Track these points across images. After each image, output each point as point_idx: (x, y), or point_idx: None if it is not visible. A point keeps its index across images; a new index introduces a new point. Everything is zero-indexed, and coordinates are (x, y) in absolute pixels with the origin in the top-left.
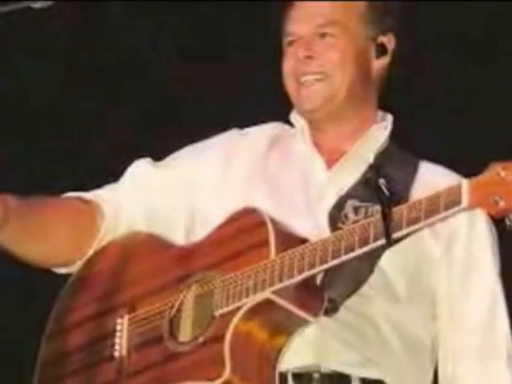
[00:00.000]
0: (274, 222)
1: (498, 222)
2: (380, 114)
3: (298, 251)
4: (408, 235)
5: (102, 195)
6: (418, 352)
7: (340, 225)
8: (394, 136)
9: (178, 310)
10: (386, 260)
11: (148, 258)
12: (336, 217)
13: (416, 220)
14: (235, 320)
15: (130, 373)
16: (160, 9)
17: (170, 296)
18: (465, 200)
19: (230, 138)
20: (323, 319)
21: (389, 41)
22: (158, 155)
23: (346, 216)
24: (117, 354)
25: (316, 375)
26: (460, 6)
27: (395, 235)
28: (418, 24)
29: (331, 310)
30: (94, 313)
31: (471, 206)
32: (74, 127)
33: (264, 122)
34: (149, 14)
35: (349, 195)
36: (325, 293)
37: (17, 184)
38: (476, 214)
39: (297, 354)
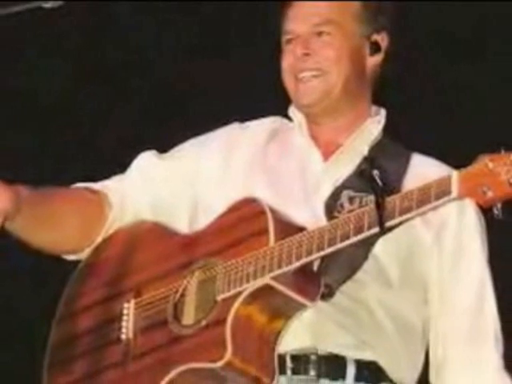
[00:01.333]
0: (273, 211)
1: (486, 211)
2: (374, 108)
3: (296, 239)
4: (400, 224)
5: (109, 185)
6: (410, 335)
7: (336, 214)
8: (387, 130)
9: (182, 295)
10: (380, 247)
11: (153, 245)
12: (332, 206)
13: (408, 209)
14: (236, 304)
15: (136, 355)
16: (165, 9)
17: (174, 281)
18: (454, 190)
19: (232, 131)
20: (320, 304)
21: (382, 39)
22: (163, 148)
23: (341, 205)
24: (123, 336)
25: (313, 357)
26: (450, 6)
27: (388, 224)
28: (410, 23)
29: (327, 294)
30: (102, 297)
31: (461, 196)
32: (83, 122)
33: (264, 116)
34: (154, 14)
35: (344, 186)
36: (321, 278)
37: (29, 176)
38: (465, 203)
39: (295, 337)
